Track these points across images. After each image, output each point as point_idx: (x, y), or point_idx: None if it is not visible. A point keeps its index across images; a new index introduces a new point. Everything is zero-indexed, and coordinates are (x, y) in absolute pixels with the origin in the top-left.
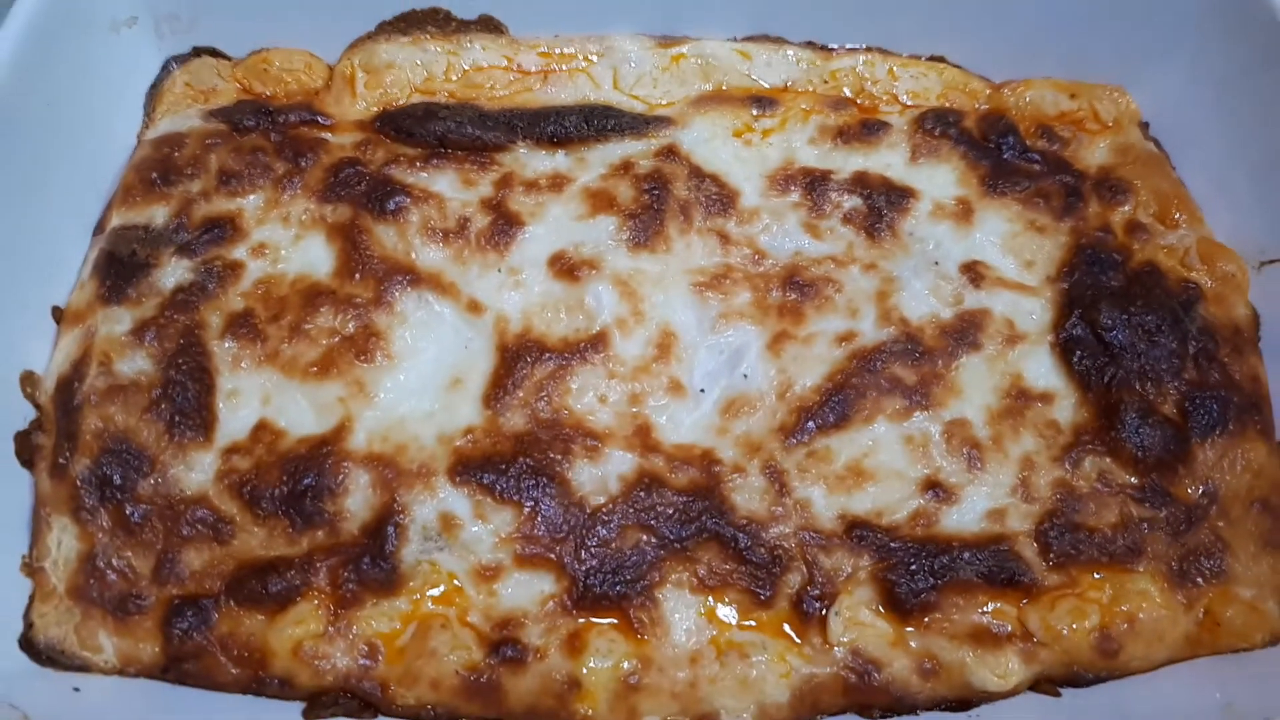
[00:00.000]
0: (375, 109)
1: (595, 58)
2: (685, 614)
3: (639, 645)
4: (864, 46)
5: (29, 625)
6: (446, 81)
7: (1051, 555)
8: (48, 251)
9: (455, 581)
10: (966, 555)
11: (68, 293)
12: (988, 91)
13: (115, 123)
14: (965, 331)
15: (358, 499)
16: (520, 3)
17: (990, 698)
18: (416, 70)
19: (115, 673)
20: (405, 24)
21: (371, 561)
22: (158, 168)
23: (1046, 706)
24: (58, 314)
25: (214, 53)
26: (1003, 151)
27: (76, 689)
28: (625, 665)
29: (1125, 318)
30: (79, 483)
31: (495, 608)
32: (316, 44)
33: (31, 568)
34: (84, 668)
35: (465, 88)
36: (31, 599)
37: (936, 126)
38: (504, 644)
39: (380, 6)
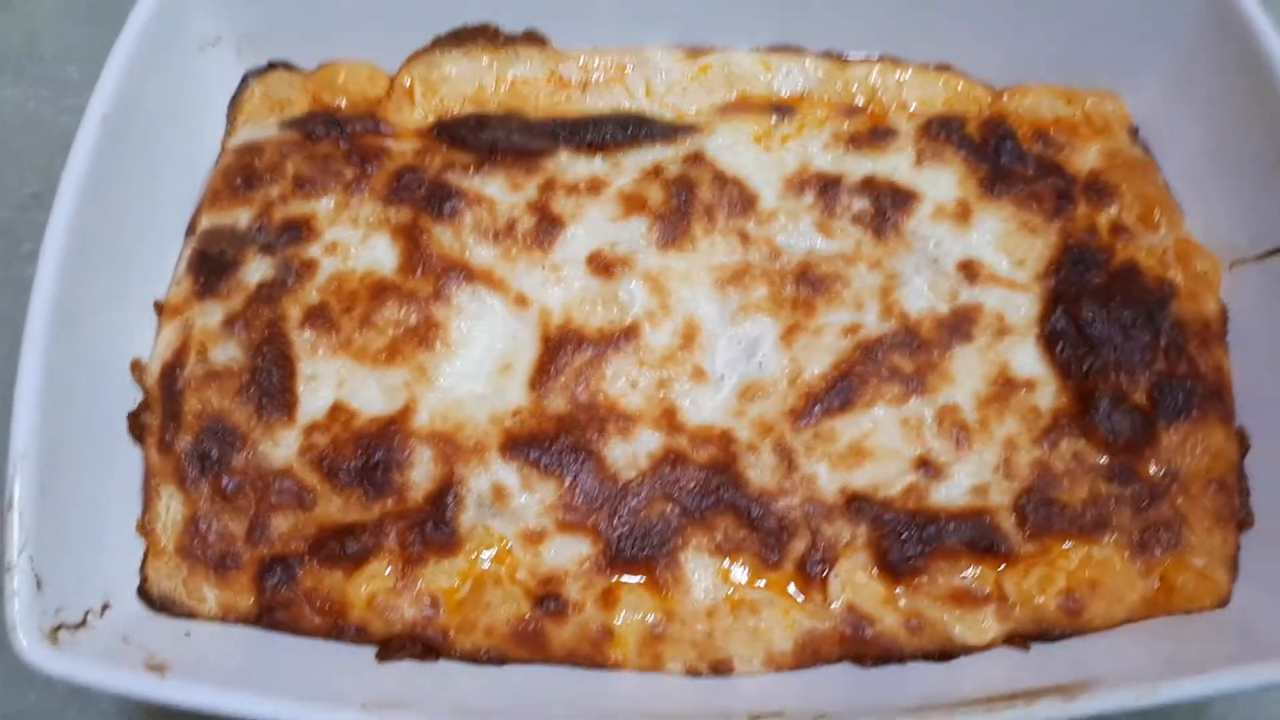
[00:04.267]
0: (432, 118)
1: (630, 68)
2: (704, 574)
3: (664, 600)
4: (877, 55)
5: (144, 579)
6: (495, 92)
7: (1028, 526)
8: (148, 250)
9: (506, 544)
10: (952, 525)
11: (165, 287)
12: (989, 98)
13: (202, 132)
14: (959, 325)
15: (421, 471)
16: (562, 19)
17: (968, 650)
18: (468, 81)
19: (217, 620)
20: (458, 39)
21: (434, 526)
22: (241, 173)
23: (1016, 659)
24: (159, 307)
25: (287, 66)
26: (1000, 156)
27: (187, 634)
28: (651, 618)
29: (1105, 312)
30: (183, 457)
31: (540, 567)
32: (378, 55)
33: (145, 529)
34: (191, 615)
35: (512, 97)
36: (146, 556)
37: (941, 132)
38: (547, 598)
39: (435, 23)
